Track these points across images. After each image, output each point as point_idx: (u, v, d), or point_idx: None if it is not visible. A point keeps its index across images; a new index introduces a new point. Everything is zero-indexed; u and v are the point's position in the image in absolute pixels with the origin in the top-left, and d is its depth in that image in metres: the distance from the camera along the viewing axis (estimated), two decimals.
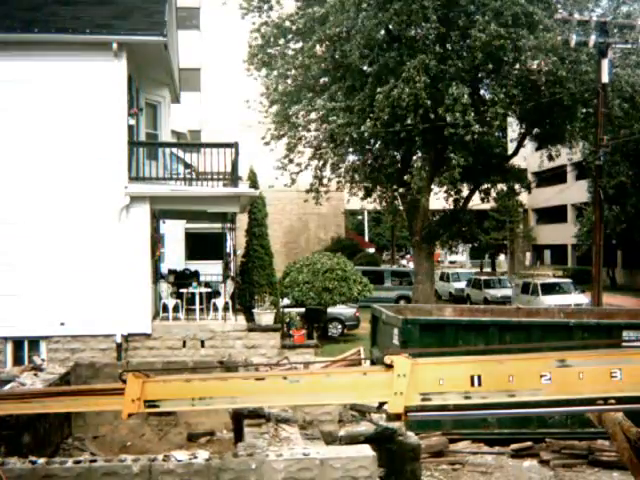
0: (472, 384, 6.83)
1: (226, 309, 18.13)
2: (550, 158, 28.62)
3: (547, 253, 62.00)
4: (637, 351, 8.14)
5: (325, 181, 27.09)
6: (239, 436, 7.96)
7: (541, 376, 6.79)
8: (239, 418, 8.11)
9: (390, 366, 6.94)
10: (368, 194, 28.06)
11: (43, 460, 6.44)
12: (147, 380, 7.31)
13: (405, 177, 24.29)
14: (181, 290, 18.88)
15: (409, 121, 21.15)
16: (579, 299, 29.89)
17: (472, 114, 20.83)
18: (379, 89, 21.32)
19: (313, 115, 25.07)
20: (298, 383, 7.22)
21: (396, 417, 7.11)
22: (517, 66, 23.45)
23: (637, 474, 8.01)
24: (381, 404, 7.30)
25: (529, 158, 42.84)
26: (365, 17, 20.86)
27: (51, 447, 9.48)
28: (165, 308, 18.36)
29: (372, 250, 54.18)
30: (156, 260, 19.89)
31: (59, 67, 16.67)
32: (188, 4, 36.30)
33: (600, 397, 7.16)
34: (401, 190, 26.05)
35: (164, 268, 23.02)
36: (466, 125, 20.87)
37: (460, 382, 6.87)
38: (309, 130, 26.09)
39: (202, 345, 17.28)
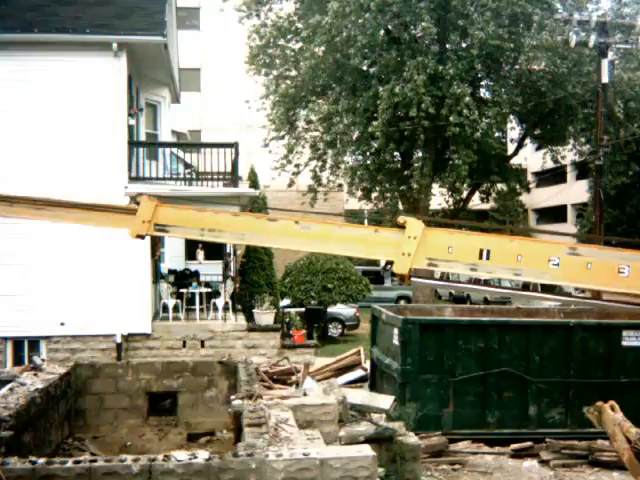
0: (480, 257, 6.68)
1: (226, 309, 18.15)
2: (555, 161, 28.55)
3: None
4: None
5: (324, 181, 27.03)
6: (239, 436, 7.96)
7: (549, 260, 6.64)
8: (239, 418, 8.11)
9: (402, 227, 6.75)
10: (368, 194, 28.01)
11: (43, 460, 6.42)
12: (160, 204, 7.40)
13: (405, 172, 24.26)
14: (181, 290, 18.90)
15: (411, 114, 21.09)
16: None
17: (476, 113, 20.83)
18: (381, 88, 21.33)
19: (313, 117, 25.03)
20: (309, 230, 6.99)
21: (400, 278, 6.99)
22: (517, 67, 23.43)
23: (637, 475, 8.00)
24: (387, 263, 7.09)
25: (529, 158, 42.82)
26: (367, 19, 20.84)
27: (51, 447, 9.46)
28: (165, 308, 18.37)
29: None
30: (156, 260, 19.87)
31: (59, 67, 16.69)
32: (188, 4, 36.27)
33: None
34: (402, 189, 26.00)
35: (164, 268, 22.99)
36: (472, 124, 20.87)
37: (469, 253, 6.70)
38: (309, 130, 26.03)
39: (202, 345, 17.31)
